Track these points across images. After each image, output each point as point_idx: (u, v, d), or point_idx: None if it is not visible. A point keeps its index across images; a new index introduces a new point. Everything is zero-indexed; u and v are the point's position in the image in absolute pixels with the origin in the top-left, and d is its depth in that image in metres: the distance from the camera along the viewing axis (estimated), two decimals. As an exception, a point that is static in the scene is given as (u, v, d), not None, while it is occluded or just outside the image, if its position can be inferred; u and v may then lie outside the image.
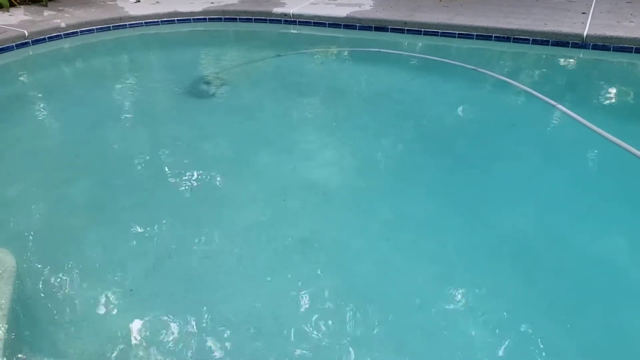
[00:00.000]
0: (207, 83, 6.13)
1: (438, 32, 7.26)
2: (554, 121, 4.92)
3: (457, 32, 7.16)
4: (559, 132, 4.82)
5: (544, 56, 6.65)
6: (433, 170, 4.19)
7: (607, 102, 5.56)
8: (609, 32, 6.40)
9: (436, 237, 3.40)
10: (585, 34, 6.47)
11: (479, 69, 6.10)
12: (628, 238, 3.34)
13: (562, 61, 6.58)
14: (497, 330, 2.67)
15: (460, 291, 2.94)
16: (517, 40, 6.84)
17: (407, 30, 7.43)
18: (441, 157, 4.35)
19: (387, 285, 3.01)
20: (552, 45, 6.66)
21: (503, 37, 6.91)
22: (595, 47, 6.45)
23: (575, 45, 6.54)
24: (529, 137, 4.64)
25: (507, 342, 2.62)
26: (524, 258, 3.18)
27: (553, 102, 5.09)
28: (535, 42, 6.74)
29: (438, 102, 5.49)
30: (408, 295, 2.92)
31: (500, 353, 2.56)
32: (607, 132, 4.45)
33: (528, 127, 4.86)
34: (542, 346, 2.58)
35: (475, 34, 7.07)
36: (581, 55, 6.49)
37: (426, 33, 7.33)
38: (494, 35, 6.96)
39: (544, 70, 6.52)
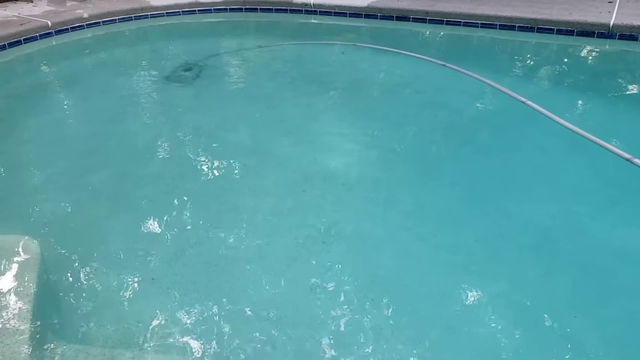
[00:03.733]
0: (188, 70, 6.26)
1: (460, 22, 7.17)
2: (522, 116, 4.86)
3: (479, 22, 7.07)
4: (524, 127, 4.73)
5: (569, 46, 6.54)
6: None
7: (634, 93, 5.45)
8: (637, 22, 6.26)
9: (457, 227, 3.38)
10: (611, 23, 6.34)
11: (448, 65, 5.99)
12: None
13: (587, 51, 6.46)
14: (518, 322, 2.65)
15: (481, 282, 2.91)
16: (541, 30, 6.73)
17: (429, 20, 7.35)
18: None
19: (407, 275, 2.99)
20: (577, 35, 6.54)
21: (527, 27, 6.81)
22: (622, 37, 6.32)
23: (601, 35, 6.42)
24: (496, 133, 4.64)
25: (528, 334, 2.59)
26: (546, 249, 3.15)
27: (522, 99, 4.99)
28: (559, 32, 6.63)
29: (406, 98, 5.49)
30: (429, 286, 2.91)
31: (522, 345, 2.54)
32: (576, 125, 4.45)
33: (499, 123, 4.87)
34: (565, 338, 2.55)
35: (498, 24, 6.97)
36: (607, 46, 6.37)
37: (448, 23, 7.25)
38: (517, 25, 6.86)
39: (569, 60, 6.42)
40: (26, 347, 2.38)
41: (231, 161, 4.21)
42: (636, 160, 3.84)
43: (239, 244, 3.25)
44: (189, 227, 3.44)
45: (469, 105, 5.13)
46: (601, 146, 4.09)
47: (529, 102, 4.88)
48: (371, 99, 5.51)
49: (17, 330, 2.45)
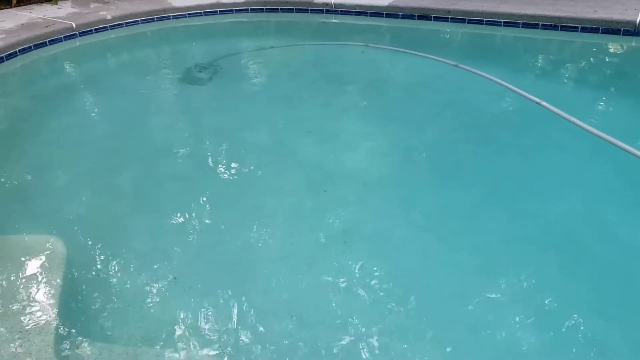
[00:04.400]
0: (210, 70, 6.32)
1: (483, 20, 7.11)
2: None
3: (502, 20, 6.99)
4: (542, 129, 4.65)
5: (594, 44, 6.44)
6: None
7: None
8: (664, 19, 6.15)
9: (479, 227, 3.35)
10: (638, 21, 6.23)
11: (460, 65, 5.91)
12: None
13: (612, 49, 6.36)
14: (541, 324, 2.61)
15: (503, 283, 2.88)
16: (565, 28, 6.64)
17: (451, 18, 7.30)
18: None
19: (428, 276, 2.97)
20: (602, 33, 6.43)
21: (550, 25, 6.71)
22: (649, 34, 6.22)
23: (627, 33, 6.31)
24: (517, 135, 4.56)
25: (551, 336, 2.55)
26: (569, 250, 3.11)
27: (537, 100, 4.91)
28: (584, 29, 6.53)
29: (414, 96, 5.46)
30: (450, 287, 2.88)
31: (545, 347, 2.50)
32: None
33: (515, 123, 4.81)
34: (588, 341, 2.51)
35: (521, 22, 6.89)
36: (633, 44, 6.26)
37: (470, 21, 7.19)
38: (541, 23, 6.77)
39: (594, 59, 6.32)
40: (51, 344, 2.41)
41: (252, 161, 4.22)
42: None
43: (260, 244, 3.26)
44: (210, 227, 3.46)
45: (485, 106, 5.08)
46: (620, 147, 4.03)
47: (544, 103, 4.82)
48: (390, 99, 5.47)
49: (42, 328, 2.49)
